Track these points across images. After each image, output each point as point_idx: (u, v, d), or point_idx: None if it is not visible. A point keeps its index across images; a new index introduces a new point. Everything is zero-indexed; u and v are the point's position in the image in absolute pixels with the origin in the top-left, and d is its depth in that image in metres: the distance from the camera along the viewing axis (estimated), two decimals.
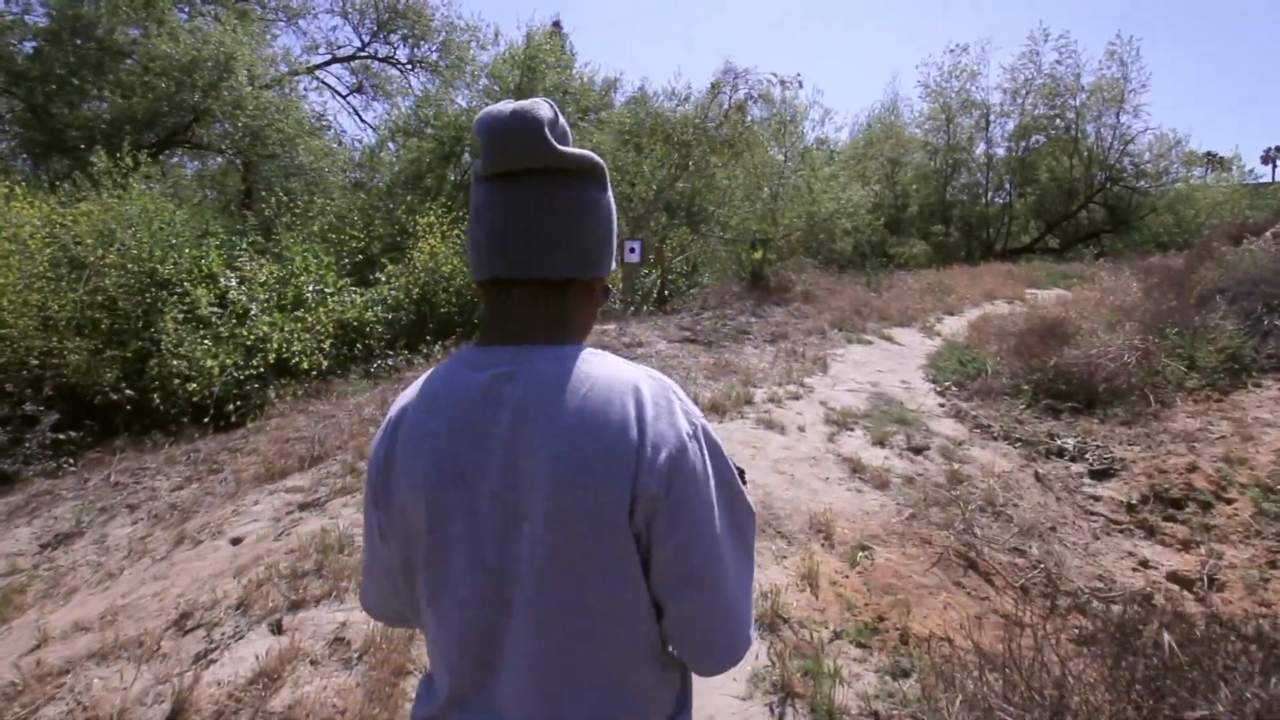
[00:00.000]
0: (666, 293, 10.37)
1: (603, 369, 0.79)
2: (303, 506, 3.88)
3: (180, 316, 7.57)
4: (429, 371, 0.88)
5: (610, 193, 0.90)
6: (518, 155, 0.79)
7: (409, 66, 22.72)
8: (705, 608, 0.80)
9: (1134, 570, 3.75)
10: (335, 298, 9.01)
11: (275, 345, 7.32)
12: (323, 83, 22.68)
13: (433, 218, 10.39)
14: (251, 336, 7.48)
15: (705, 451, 0.80)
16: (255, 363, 7.30)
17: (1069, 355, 5.82)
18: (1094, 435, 5.15)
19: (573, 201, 0.83)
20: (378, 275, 10.21)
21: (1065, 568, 3.57)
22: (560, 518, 0.73)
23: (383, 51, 22.81)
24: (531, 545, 0.75)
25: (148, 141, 14.35)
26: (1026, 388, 5.98)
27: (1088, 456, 4.86)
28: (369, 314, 9.00)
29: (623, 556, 0.75)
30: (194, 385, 6.95)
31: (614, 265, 0.95)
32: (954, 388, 6.33)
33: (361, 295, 9.47)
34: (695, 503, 0.77)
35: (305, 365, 7.41)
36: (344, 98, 23.42)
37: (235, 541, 3.59)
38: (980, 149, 24.93)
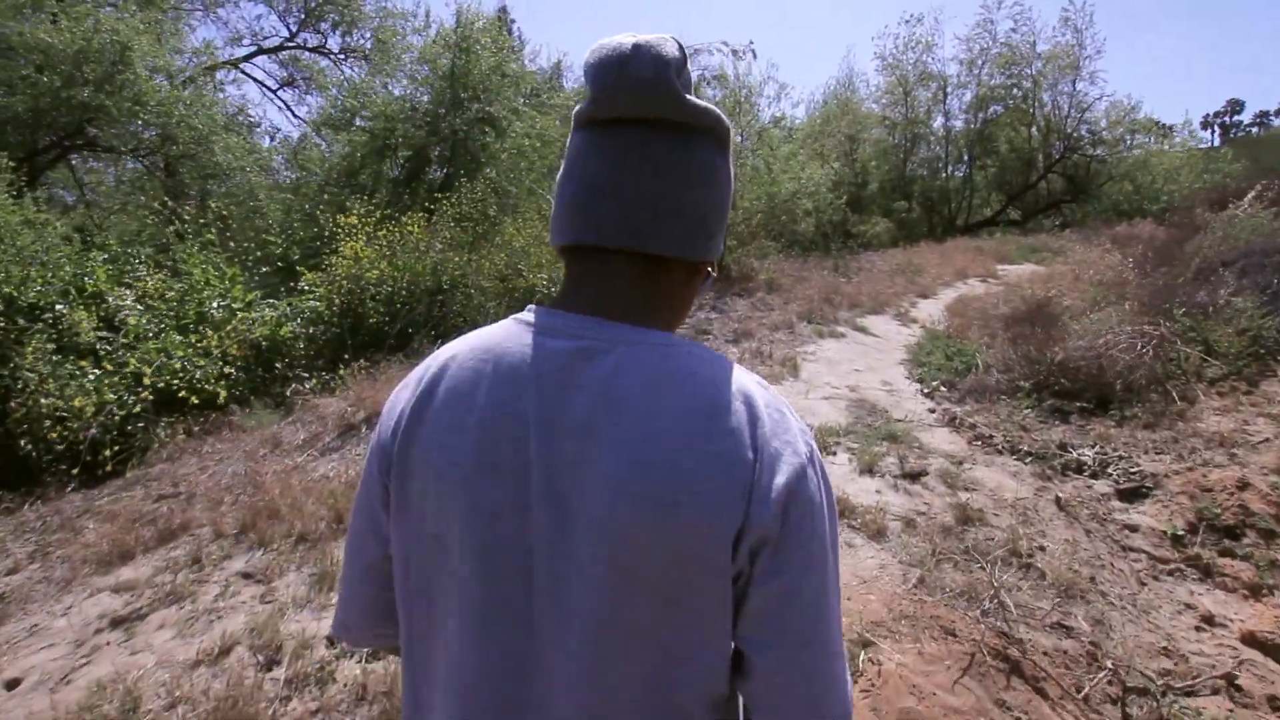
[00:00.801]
0: None
1: (710, 365, 0.65)
2: (116, 622, 2.87)
3: (50, 346, 6.41)
4: (483, 330, 0.70)
5: (732, 161, 0.74)
6: (635, 99, 0.64)
7: (342, 57, 21.29)
8: (805, 668, 0.63)
9: (1198, 630, 2.95)
10: (244, 314, 7.89)
11: (151, 375, 6.20)
12: (248, 76, 21.19)
13: (355, 218, 9.26)
14: (134, 366, 6.36)
15: (821, 479, 0.65)
16: (135, 397, 6.18)
17: (1074, 347, 5.04)
18: (1113, 443, 4.37)
19: (692, 164, 0.67)
20: (301, 285, 9.09)
21: (1117, 638, 2.75)
22: (639, 541, 0.59)
23: (313, 41, 21.35)
24: (594, 567, 0.60)
25: (43, 144, 12.89)
26: (1026, 385, 5.19)
27: (1111, 472, 4.07)
28: (285, 330, 7.90)
29: (712, 595, 0.61)
30: (61, 429, 5.83)
31: (723, 247, 0.76)
32: (943, 388, 5.52)
33: (275, 309, 8.36)
34: (809, 540, 0.62)
35: (195, 397, 6.30)
36: (274, 92, 21.91)
37: (10, 686, 2.58)
38: (939, 122, 24.36)
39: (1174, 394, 4.61)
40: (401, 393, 0.72)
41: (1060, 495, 3.82)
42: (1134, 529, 3.59)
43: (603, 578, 0.60)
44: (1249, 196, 9.49)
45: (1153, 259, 8.09)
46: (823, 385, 5.62)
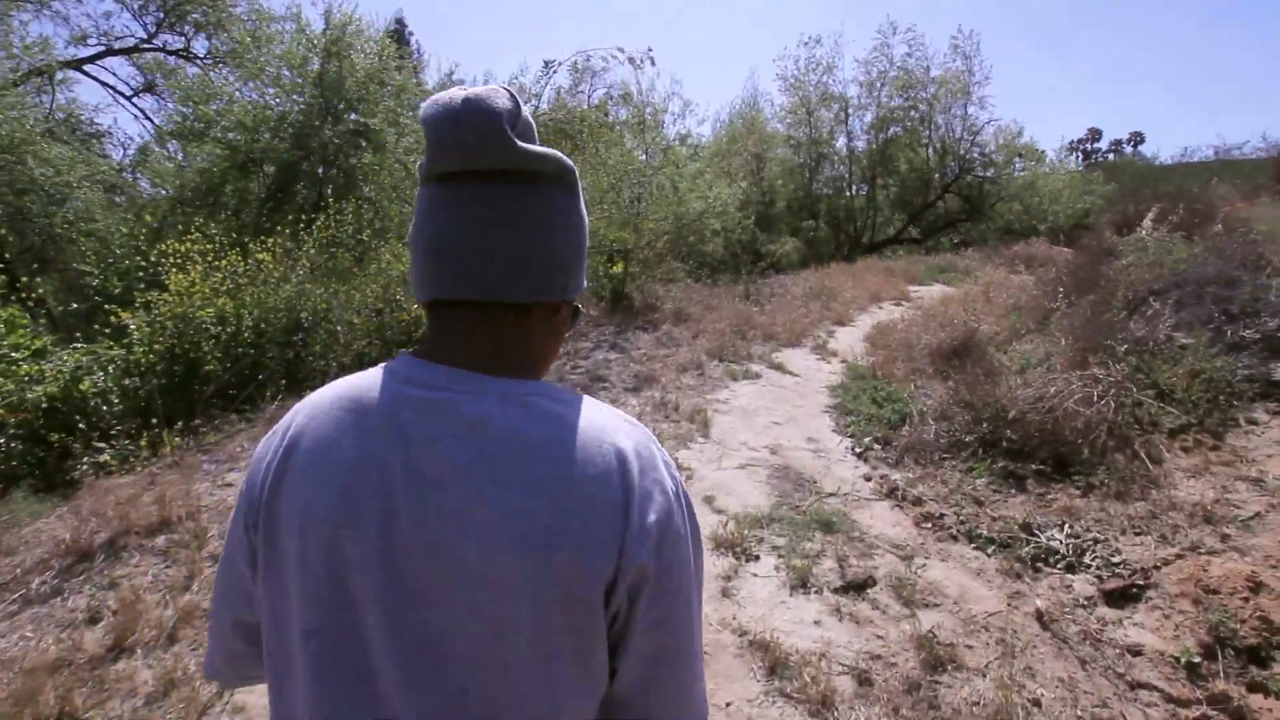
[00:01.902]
0: None
1: (576, 411, 0.66)
2: None
3: None
4: (349, 377, 0.70)
5: (581, 201, 0.74)
6: (468, 154, 0.64)
7: (208, 61, 19.15)
8: (675, 680, 0.68)
9: None
10: (25, 366, 6.23)
11: None
12: (94, 79, 18.71)
13: (189, 245, 7.69)
14: None
15: (685, 509, 0.68)
16: None
17: (1022, 397, 4.29)
18: (1082, 519, 3.60)
19: (538, 211, 0.68)
20: (125, 324, 7.40)
21: None
22: (515, 589, 0.59)
23: (176, 44, 19.12)
24: (469, 619, 0.60)
25: None
26: (970, 440, 4.42)
27: (1090, 562, 3.27)
28: (84, 384, 6.28)
29: (590, 637, 0.62)
30: None
31: (585, 283, 0.77)
32: (876, 445, 4.68)
33: (75, 356, 6.72)
34: (681, 571, 0.65)
35: None
36: (129, 98, 19.48)
37: None
38: (841, 142, 24.51)
39: (1141, 454, 3.90)
40: (270, 442, 0.70)
41: (1040, 605, 2.97)
42: (1137, 652, 2.76)
43: (479, 628, 0.60)
44: (1148, 219, 9.36)
45: (1068, 283, 7.68)
46: (738, 447, 4.67)
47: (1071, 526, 3.52)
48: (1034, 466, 4.05)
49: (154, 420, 5.81)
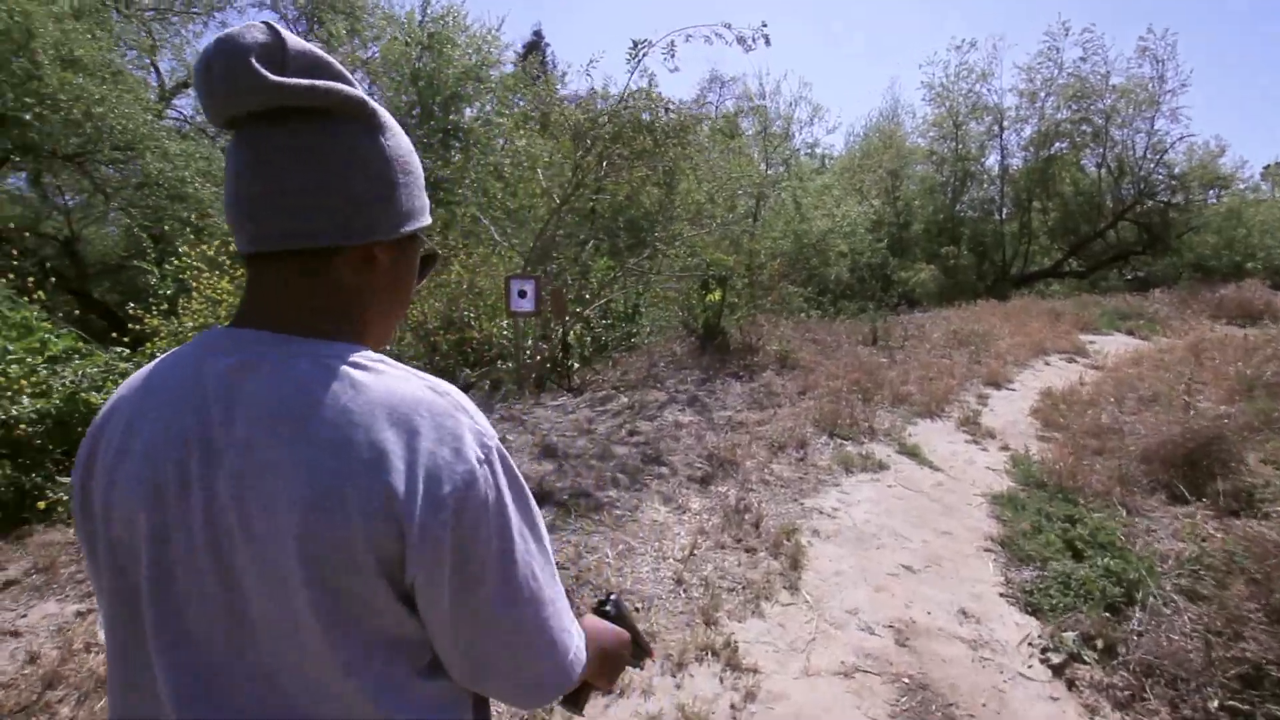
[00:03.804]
0: (569, 361, 6.72)
1: (374, 378, 0.62)
2: None
3: None
4: (162, 355, 0.69)
5: (388, 136, 0.67)
6: (223, 96, 0.60)
7: (350, 67, 19.35)
8: (502, 645, 0.65)
9: None
10: (31, 375, 5.42)
11: None
12: None
13: (212, 248, 6.77)
14: None
15: (498, 474, 0.64)
16: None
17: None
18: None
19: (316, 148, 0.62)
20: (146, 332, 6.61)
21: None
22: (302, 553, 0.57)
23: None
24: (262, 582, 0.58)
25: None
26: (1265, 662, 2.35)
27: None
28: (94, 399, 5.41)
29: (367, 600, 0.59)
30: None
31: (420, 220, 0.71)
32: (1087, 653, 2.69)
33: (80, 365, 5.87)
34: (486, 539, 0.62)
35: None
36: None
37: None
38: (993, 159, 21.35)
39: None
40: (85, 440, 0.69)
41: None
42: None
43: (272, 591, 0.58)
44: None
45: None
46: (843, 620, 2.84)
47: None
48: None
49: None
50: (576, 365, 6.82)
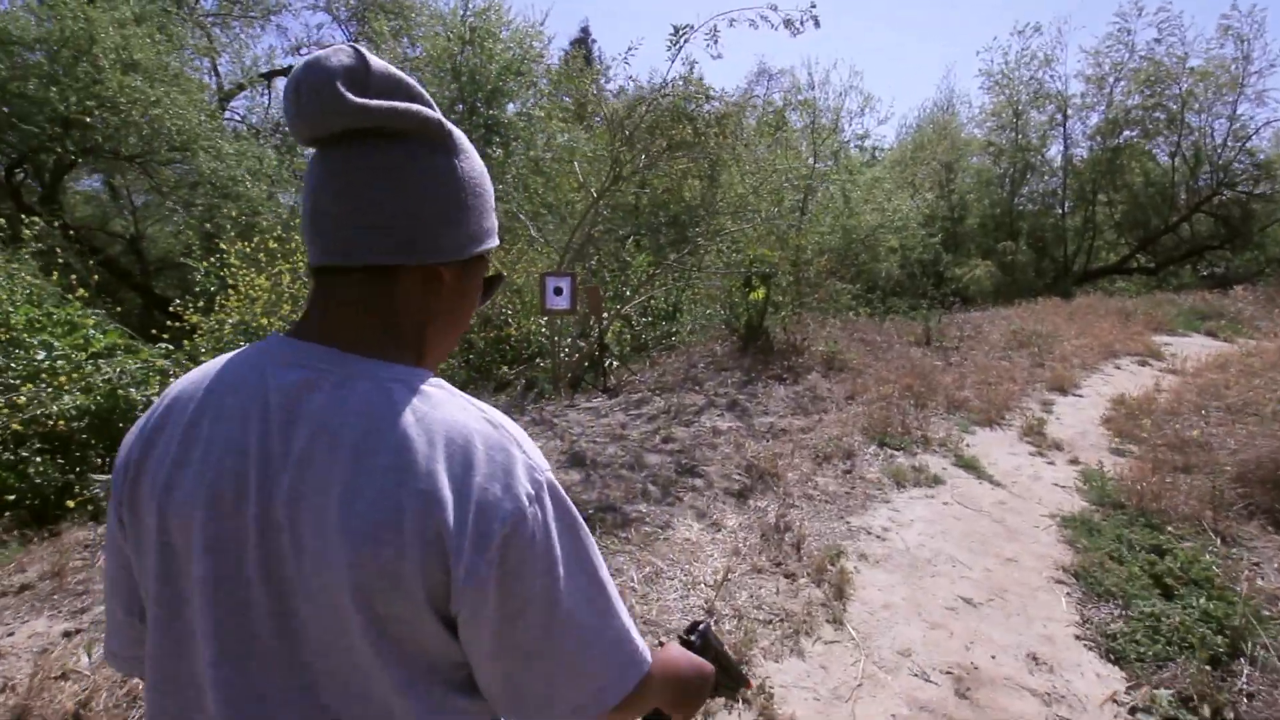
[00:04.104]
0: (606, 360, 6.47)
1: (431, 406, 0.62)
2: None
3: None
4: (224, 355, 0.69)
5: (461, 158, 0.68)
6: (310, 117, 0.62)
7: (402, 66, 19.59)
8: (541, 677, 0.64)
9: None
10: (74, 371, 5.46)
11: None
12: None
13: (254, 245, 6.72)
14: None
15: (549, 513, 0.63)
16: None
17: None
18: None
19: (392, 169, 0.64)
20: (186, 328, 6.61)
21: None
22: (351, 576, 0.57)
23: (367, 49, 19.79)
24: (312, 601, 0.59)
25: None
26: None
27: None
28: (134, 394, 5.43)
29: (412, 631, 0.60)
30: None
31: (488, 242, 0.72)
32: (1184, 710, 2.30)
33: (120, 362, 5.90)
34: (530, 578, 0.61)
35: None
36: None
37: None
38: (1055, 149, 20.26)
39: None
40: (141, 422, 0.69)
41: None
42: None
43: (319, 612, 0.60)
44: None
45: None
46: (894, 664, 2.51)
47: None
48: None
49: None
50: (616, 363, 6.57)
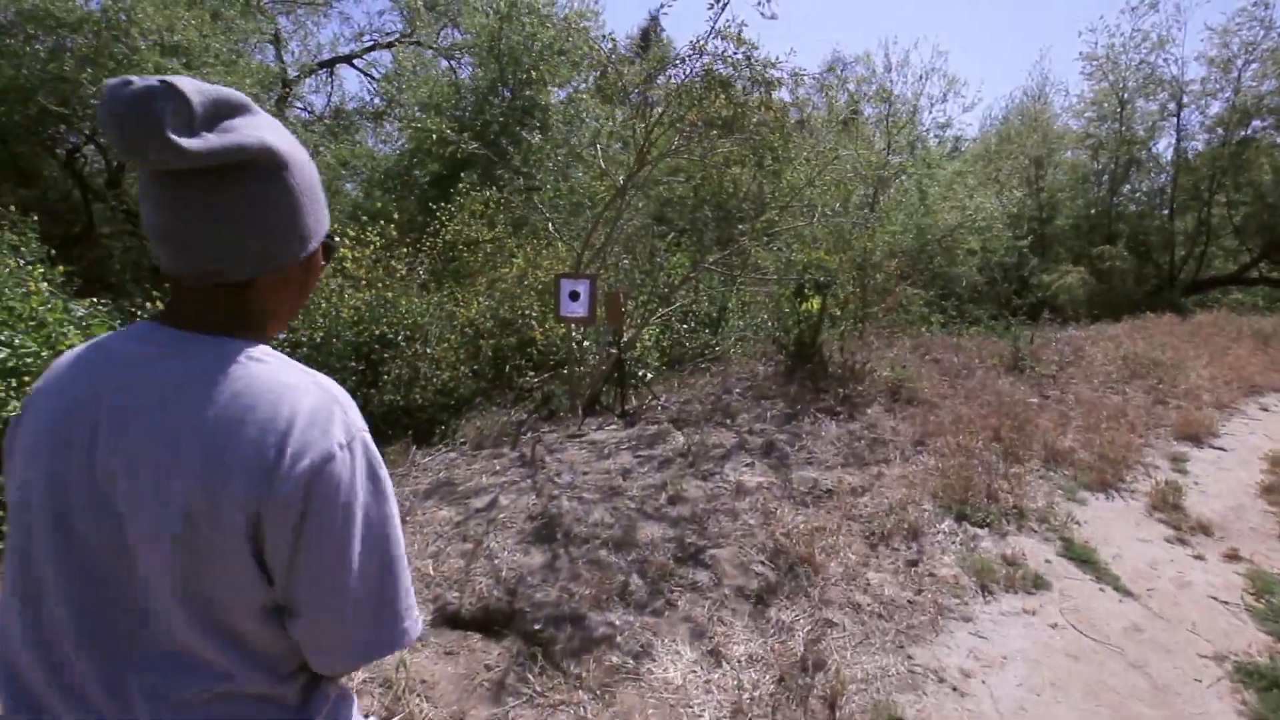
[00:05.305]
0: (629, 378, 5.44)
1: (265, 369, 0.70)
2: None
3: None
4: (99, 336, 0.79)
5: (293, 171, 0.72)
6: (139, 154, 0.64)
7: (452, 51, 19.04)
8: (332, 610, 0.70)
9: None
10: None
11: None
12: (364, 73, 19.57)
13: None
14: None
15: (358, 461, 0.70)
16: None
17: None
18: None
19: (229, 204, 0.68)
20: None
21: None
22: (182, 509, 0.65)
23: (427, 36, 19.32)
24: (149, 528, 0.66)
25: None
26: None
27: None
28: None
29: (231, 552, 0.66)
30: None
31: (323, 232, 0.77)
32: None
33: None
34: (332, 511, 0.68)
35: None
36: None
37: None
38: (1165, 142, 17.84)
39: None
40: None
41: None
42: None
43: (156, 533, 0.65)
44: None
45: None
46: None
47: None
48: None
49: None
50: (649, 375, 5.54)
